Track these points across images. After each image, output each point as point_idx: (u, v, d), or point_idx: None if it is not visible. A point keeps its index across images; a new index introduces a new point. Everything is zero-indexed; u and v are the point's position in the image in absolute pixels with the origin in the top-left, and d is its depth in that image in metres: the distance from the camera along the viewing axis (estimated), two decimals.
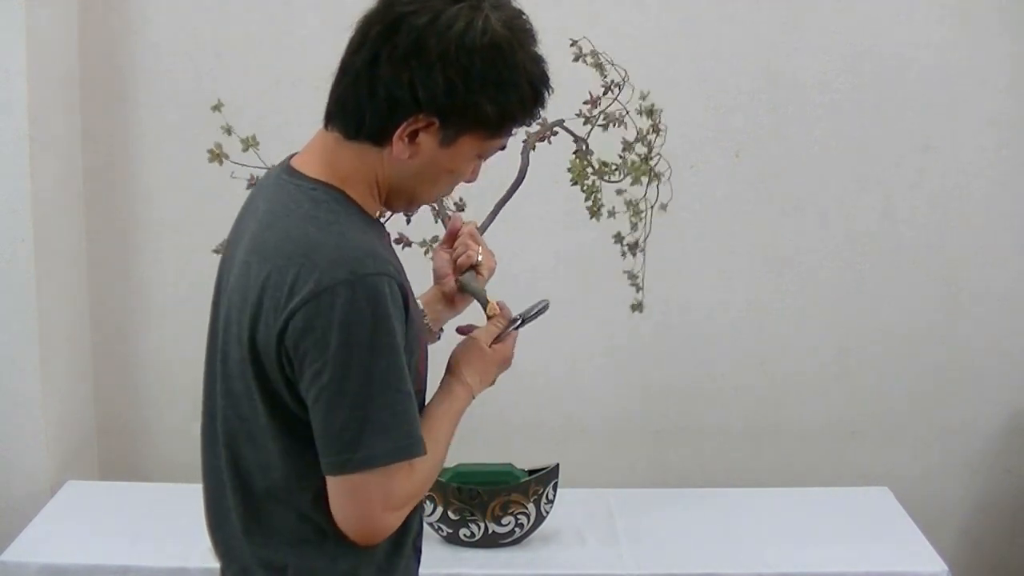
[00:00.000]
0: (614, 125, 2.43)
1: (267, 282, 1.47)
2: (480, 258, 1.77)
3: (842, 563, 2.54)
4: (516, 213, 3.08)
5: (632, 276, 2.54)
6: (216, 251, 2.34)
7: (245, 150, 2.42)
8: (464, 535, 2.54)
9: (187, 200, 3.12)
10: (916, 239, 3.17)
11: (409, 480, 1.51)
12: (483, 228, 1.89)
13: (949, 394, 3.24)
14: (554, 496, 2.58)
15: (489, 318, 1.73)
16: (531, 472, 2.58)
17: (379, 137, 1.50)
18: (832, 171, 3.14)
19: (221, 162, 2.42)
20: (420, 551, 1.70)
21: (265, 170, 2.33)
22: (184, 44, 3.07)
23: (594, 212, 2.44)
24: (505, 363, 1.73)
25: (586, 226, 3.16)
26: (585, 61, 2.42)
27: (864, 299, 3.19)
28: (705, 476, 3.19)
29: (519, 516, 2.54)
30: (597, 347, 3.22)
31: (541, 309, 1.78)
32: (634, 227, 2.50)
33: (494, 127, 1.51)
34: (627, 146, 2.45)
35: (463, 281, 1.76)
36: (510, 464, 2.61)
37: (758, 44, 3.09)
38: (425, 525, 1.95)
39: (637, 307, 2.55)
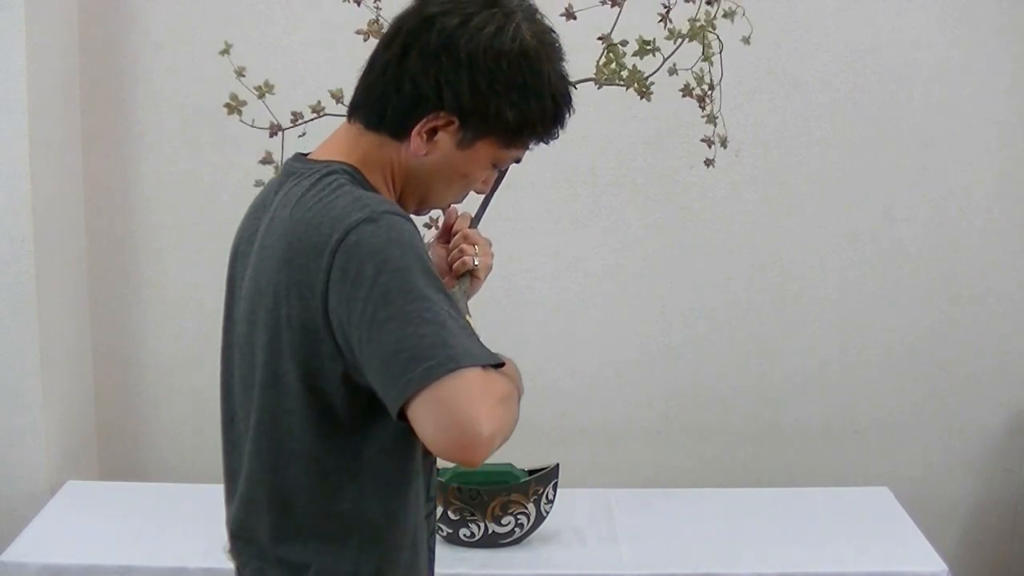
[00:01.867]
0: None
1: (289, 253, 1.46)
2: (477, 261, 1.75)
3: (842, 563, 2.54)
4: (517, 214, 3.10)
5: (711, 117, 2.32)
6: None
7: (260, 97, 2.32)
8: (464, 535, 2.54)
9: (187, 200, 3.12)
10: (916, 239, 3.17)
11: (489, 379, 1.41)
12: (476, 219, 1.87)
13: (949, 394, 3.24)
14: (554, 496, 2.58)
15: None
16: (531, 472, 2.58)
17: (399, 130, 1.52)
18: (832, 171, 3.14)
19: (240, 114, 2.29)
20: (433, 552, 1.70)
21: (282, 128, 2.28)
22: (184, 44, 3.07)
23: (644, 93, 2.23)
24: None
25: (587, 227, 3.18)
26: None
27: (864, 299, 3.19)
28: (705, 476, 3.19)
29: (519, 516, 2.54)
30: (597, 347, 3.22)
31: None
32: (700, 80, 2.28)
33: (512, 135, 1.52)
34: (666, 8, 2.24)
35: (452, 296, 1.74)
36: (510, 464, 2.61)
37: (758, 44, 3.08)
38: None
39: (723, 142, 2.33)
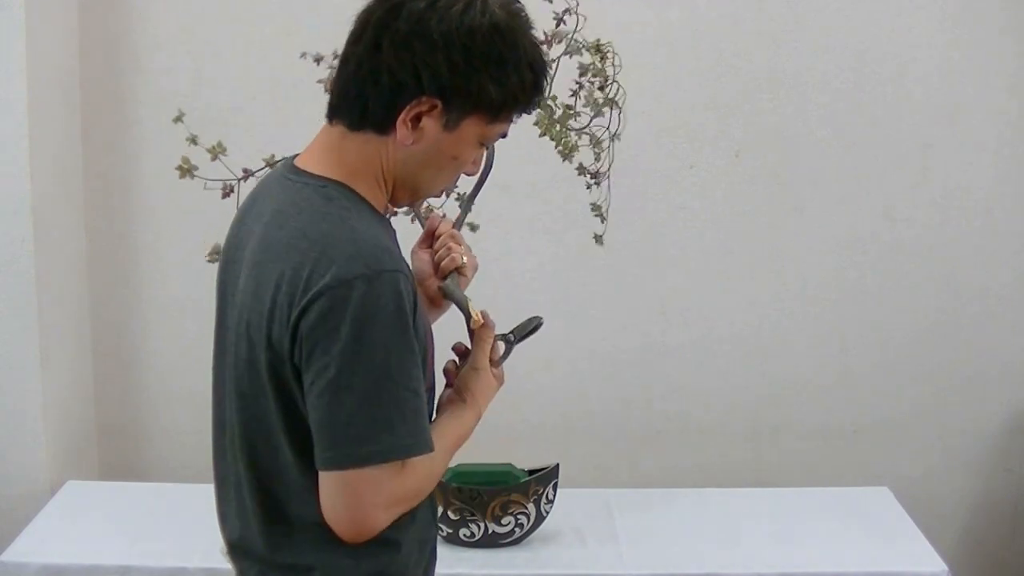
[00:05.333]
0: (569, 56, 2.35)
1: (282, 279, 1.46)
2: (465, 259, 1.76)
3: (842, 563, 2.54)
4: (516, 214, 3.10)
5: (595, 207, 2.47)
6: (211, 260, 2.32)
7: (213, 159, 2.39)
8: (464, 535, 2.54)
9: (187, 201, 3.12)
10: (916, 239, 3.17)
11: (406, 479, 1.49)
12: (458, 224, 1.87)
13: (949, 394, 3.24)
14: (554, 496, 2.58)
15: (471, 330, 1.72)
16: (531, 472, 2.58)
17: (383, 124, 1.51)
18: (832, 171, 3.14)
19: (192, 176, 2.39)
20: (435, 549, 1.71)
21: (237, 179, 2.37)
22: (184, 44, 3.07)
23: (566, 155, 2.37)
24: (501, 382, 1.74)
25: (586, 226, 3.17)
26: None
27: (864, 299, 3.19)
28: (705, 476, 3.19)
29: (519, 516, 2.54)
30: (597, 347, 3.22)
31: (536, 327, 1.81)
32: (597, 158, 2.43)
33: (496, 109, 1.52)
34: (578, 86, 2.38)
35: (446, 288, 1.73)
36: (510, 464, 2.61)
37: (758, 44, 3.09)
38: None
39: (599, 239, 2.48)
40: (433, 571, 1.70)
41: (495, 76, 1.49)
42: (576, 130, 2.37)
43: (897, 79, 3.10)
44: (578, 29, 2.34)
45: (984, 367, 3.23)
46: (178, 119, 2.39)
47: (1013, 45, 3.09)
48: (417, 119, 1.50)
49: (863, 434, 3.25)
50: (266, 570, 1.58)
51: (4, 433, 2.87)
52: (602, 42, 2.36)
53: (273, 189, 1.59)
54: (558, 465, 2.58)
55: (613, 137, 2.40)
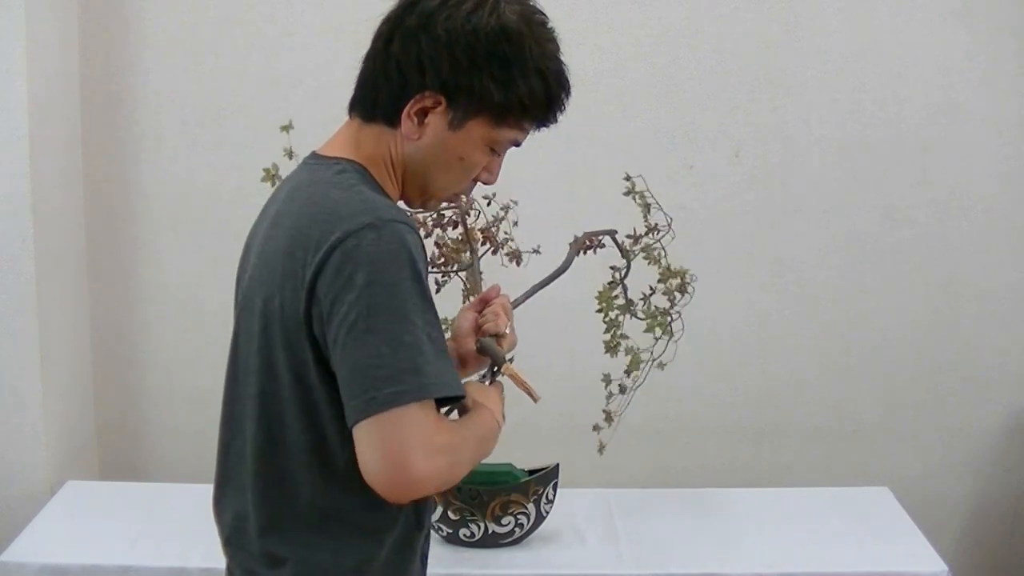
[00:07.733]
0: (649, 263, 2.39)
1: (291, 245, 1.48)
2: (507, 330, 1.76)
3: (842, 563, 2.54)
4: (522, 214, 3.10)
5: (608, 415, 2.52)
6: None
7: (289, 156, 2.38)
8: (464, 535, 2.54)
9: (187, 200, 3.12)
10: (916, 239, 3.17)
11: (442, 428, 1.46)
12: (515, 305, 1.91)
13: (949, 394, 3.24)
14: (554, 496, 2.58)
15: (497, 374, 1.75)
16: (531, 472, 2.58)
17: (392, 117, 1.54)
18: (832, 171, 3.14)
19: (273, 182, 2.33)
20: (427, 557, 1.69)
21: None
22: (184, 44, 3.07)
23: (611, 348, 2.42)
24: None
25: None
26: (634, 199, 2.40)
27: (864, 299, 3.19)
28: (705, 476, 3.19)
29: (519, 516, 2.54)
30: (597, 347, 3.21)
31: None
32: (627, 374, 2.47)
33: (501, 113, 1.52)
34: (650, 290, 2.43)
35: (484, 343, 1.74)
36: (510, 464, 2.61)
37: (758, 44, 3.09)
38: None
39: (600, 449, 2.55)
40: (423, 572, 1.69)
41: (498, 78, 1.50)
42: (637, 317, 2.43)
43: (897, 79, 3.10)
44: (659, 238, 2.43)
45: (984, 367, 3.23)
46: (286, 128, 2.33)
47: (1013, 45, 3.09)
48: (423, 114, 1.52)
49: (863, 434, 3.25)
50: (250, 559, 1.58)
51: (4, 433, 2.87)
52: (687, 271, 2.42)
53: (292, 175, 1.62)
54: (558, 465, 2.58)
55: (653, 363, 2.46)
